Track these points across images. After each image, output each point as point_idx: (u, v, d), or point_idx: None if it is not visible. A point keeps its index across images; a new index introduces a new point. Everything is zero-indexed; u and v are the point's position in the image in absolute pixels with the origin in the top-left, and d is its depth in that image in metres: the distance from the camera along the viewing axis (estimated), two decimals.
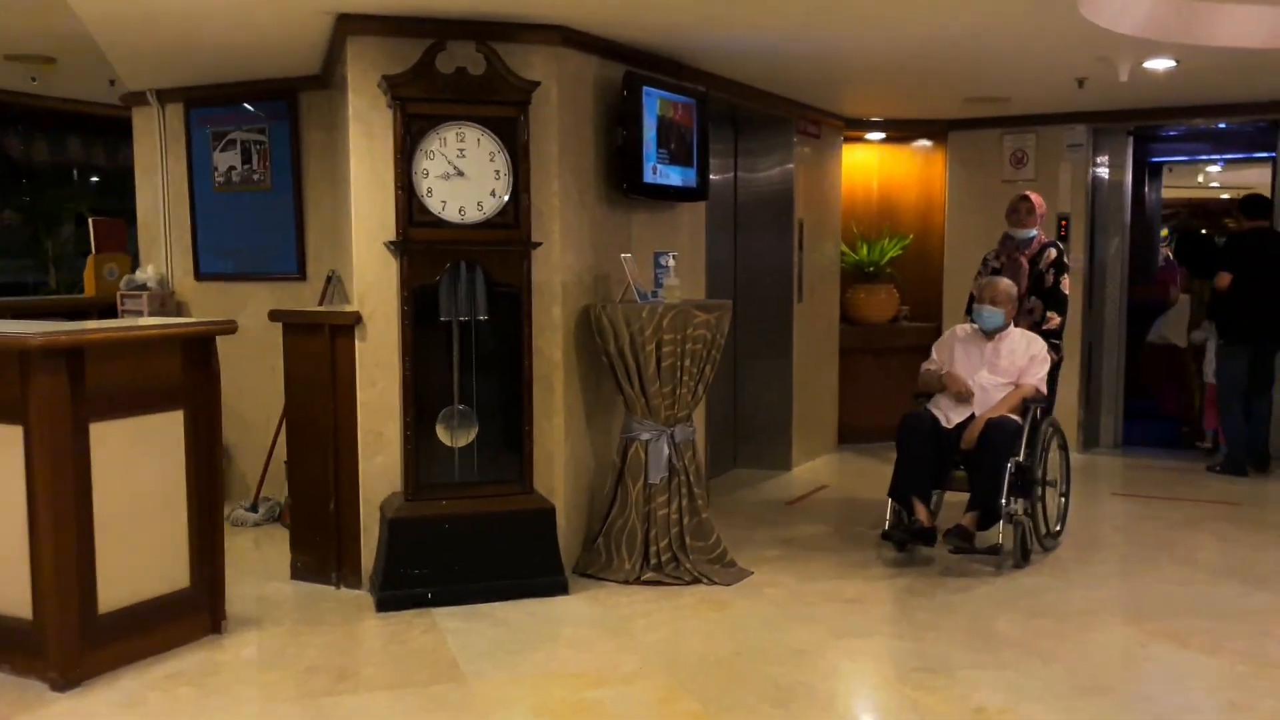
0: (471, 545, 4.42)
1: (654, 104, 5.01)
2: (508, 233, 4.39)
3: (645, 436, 4.70)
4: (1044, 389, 5.10)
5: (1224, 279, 6.88)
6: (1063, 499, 5.50)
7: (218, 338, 4.10)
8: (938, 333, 8.07)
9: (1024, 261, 5.53)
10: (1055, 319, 5.46)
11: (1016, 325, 5.26)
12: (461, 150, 4.33)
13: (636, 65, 5.04)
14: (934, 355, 5.32)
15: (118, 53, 5.28)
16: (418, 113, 4.27)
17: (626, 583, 4.64)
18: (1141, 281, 9.66)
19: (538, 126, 4.53)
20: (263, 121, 5.91)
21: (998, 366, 5.10)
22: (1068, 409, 7.65)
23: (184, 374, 3.92)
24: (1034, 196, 5.64)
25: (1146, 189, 9.75)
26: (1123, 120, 7.57)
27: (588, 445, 4.94)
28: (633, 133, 4.88)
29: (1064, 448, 5.48)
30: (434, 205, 4.31)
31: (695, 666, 3.78)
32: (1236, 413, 6.95)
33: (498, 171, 4.37)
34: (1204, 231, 9.82)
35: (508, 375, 4.52)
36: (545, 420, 4.69)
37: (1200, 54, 5.39)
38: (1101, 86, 6.28)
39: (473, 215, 4.35)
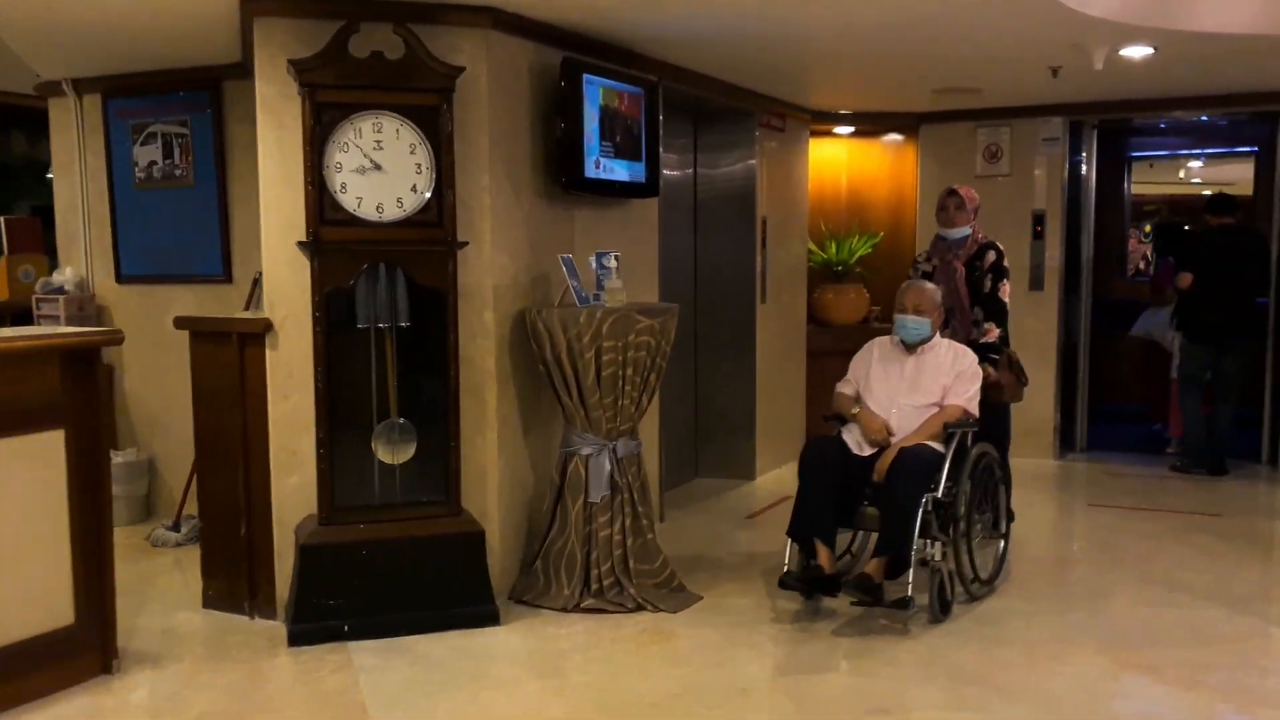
0: (393, 573, 4.06)
1: (596, 93, 4.66)
2: (430, 231, 4.03)
3: (585, 451, 4.35)
4: (973, 410, 4.39)
5: (1185, 279, 6.86)
6: (1002, 541, 4.82)
7: (133, 345, 3.70)
8: None
9: (958, 265, 4.99)
10: (993, 331, 4.90)
11: (967, 340, 4.76)
12: (379, 142, 3.97)
13: (579, 52, 4.69)
14: (850, 373, 4.67)
15: (19, 38, 4.89)
16: (329, 101, 3.90)
17: (565, 610, 4.29)
18: (1120, 277, 9.43)
19: (465, 116, 4.18)
20: (184, 113, 5.53)
21: (920, 385, 4.42)
22: (1042, 416, 7.37)
23: (64, 389, 3.54)
24: (964, 190, 5.10)
25: (1126, 185, 9.46)
26: (1100, 113, 7.26)
27: (526, 461, 4.59)
28: (572, 124, 4.53)
29: (1004, 481, 4.83)
30: (348, 202, 3.95)
31: (627, 712, 3.43)
32: (1195, 409, 6.97)
33: (419, 165, 4.01)
34: (1186, 227, 9.52)
35: (433, 386, 4.16)
36: (477, 435, 4.34)
37: (1179, 40, 5.07)
38: (1077, 76, 5.97)
39: (392, 212, 3.99)
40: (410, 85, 3.97)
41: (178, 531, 5.36)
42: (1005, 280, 4.98)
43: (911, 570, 4.04)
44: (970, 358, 4.49)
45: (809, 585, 4.17)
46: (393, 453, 4.13)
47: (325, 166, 3.91)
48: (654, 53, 5.29)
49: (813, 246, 7.68)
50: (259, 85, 4.08)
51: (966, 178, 7.49)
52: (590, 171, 4.64)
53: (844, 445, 4.42)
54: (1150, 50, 5.25)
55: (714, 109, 6.54)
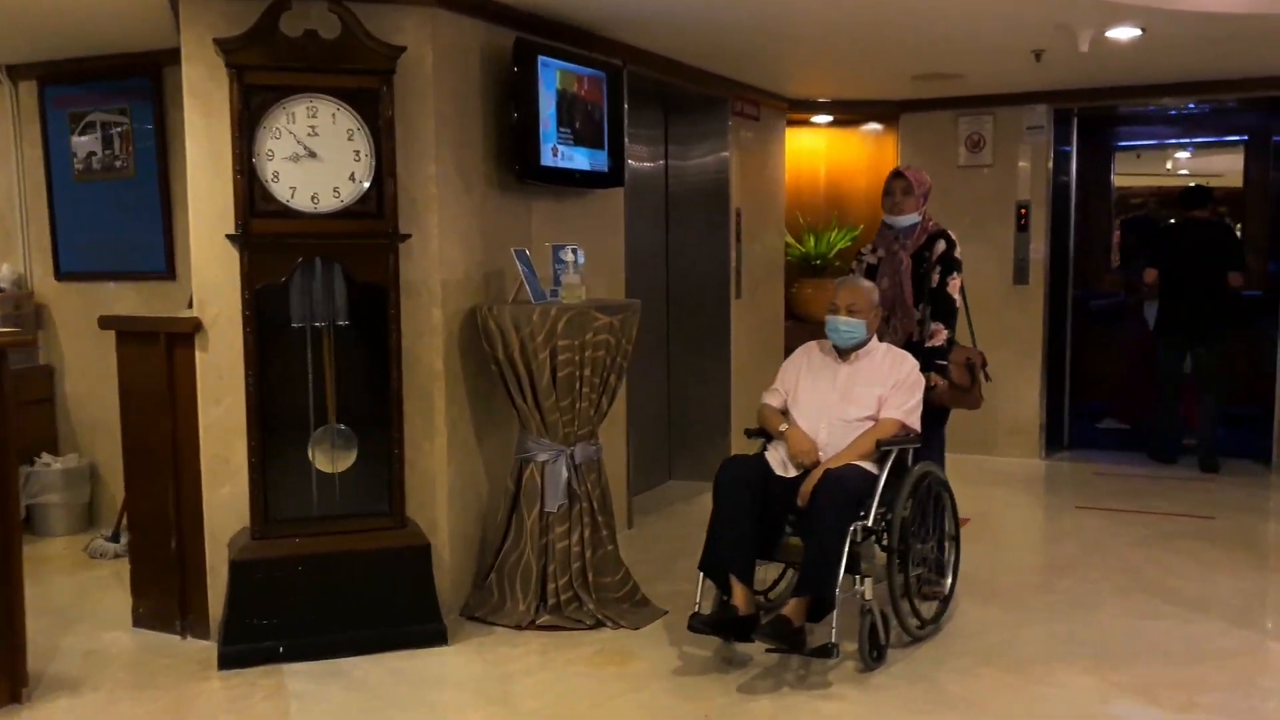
0: (331, 590, 3.78)
1: (552, 76, 4.39)
2: (370, 223, 3.75)
3: (541, 457, 4.08)
4: (912, 424, 3.85)
5: (1150, 274, 6.95)
6: (949, 579, 4.19)
7: (74, 345, 3.41)
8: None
9: (904, 256, 4.33)
10: (941, 332, 4.23)
11: (907, 340, 4.21)
12: (313, 128, 3.68)
13: (535, 32, 4.42)
14: (777, 382, 4.10)
15: None
16: (259, 83, 3.62)
17: (519, 627, 4.02)
18: (1106, 271, 9.21)
19: (410, 101, 3.90)
20: (124, 101, 5.23)
21: (853, 396, 3.87)
22: (1028, 414, 7.13)
23: None
24: (911, 172, 4.43)
25: (1111, 176, 9.23)
26: (1084, 100, 7.01)
27: (480, 467, 4.32)
28: (526, 109, 4.25)
29: (951, 507, 4.22)
30: (281, 192, 3.67)
31: None
32: (1166, 402, 6.99)
33: (357, 152, 3.73)
34: (1155, 221, 9.33)
35: (375, 389, 3.89)
36: (425, 440, 4.06)
37: (1168, 21, 4.82)
38: (1061, 61, 5.72)
39: (328, 203, 3.71)
40: (347, 67, 3.69)
41: (117, 542, 5.06)
42: (956, 274, 4.30)
43: (836, 612, 3.52)
44: (909, 364, 3.93)
45: (720, 629, 3.60)
46: (331, 461, 3.85)
47: (256, 154, 3.63)
48: (618, 35, 5.02)
49: (790, 240, 7.42)
50: (185, 67, 3.80)
51: (949, 168, 7.26)
52: (547, 160, 4.37)
53: (766, 465, 3.86)
54: (1138, 32, 5.00)
55: (685, 96, 6.27)
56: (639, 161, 6.18)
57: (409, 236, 3.85)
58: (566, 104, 4.48)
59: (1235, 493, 6.18)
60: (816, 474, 3.71)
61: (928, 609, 4.01)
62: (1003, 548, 5.25)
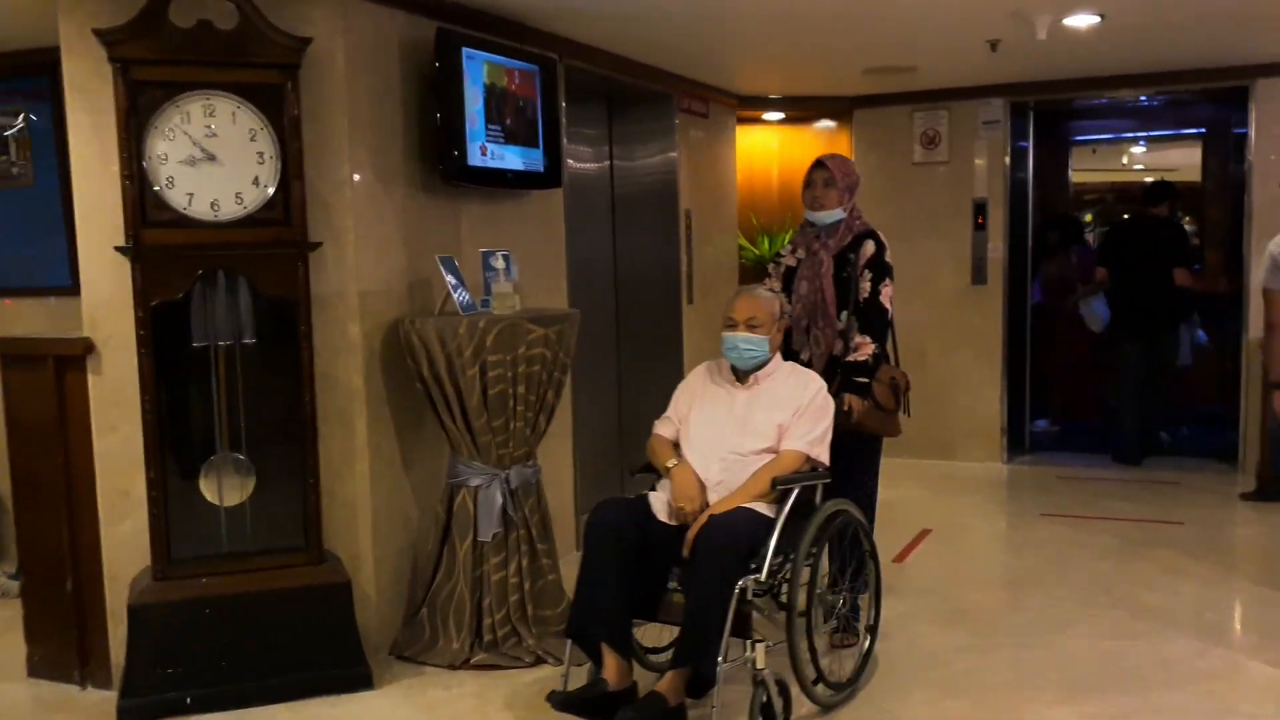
0: (243, 634, 3.45)
1: (479, 70, 4.09)
2: (277, 231, 3.43)
3: (474, 482, 3.78)
4: (819, 455, 3.33)
5: (1100, 273, 6.95)
6: (868, 638, 3.60)
7: None
8: None
9: (826, 257, 3.82)
10: (867, 346, 3.71)
11: (829, 355, 3.77)
12: (211, 128, 3.36)
13: (459, 23, 4.12)
14: (670, 409, 3.57)
15: None
16: (147, 79, 3.29)
17: (453, 667, 3.72)
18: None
19: (320, 98, 3.59)
20: (19, 103, 4.86)
21: (751, 425, 3.34)
22: (989, 416, 6.93)
23: None
24: (833, 162, 3.88)
25: (1068, 172, 9.06)
26: (1041, 93, 6.80)
27: (408, 495, 4.00)
28: (449, 105, 3.95)
29: (871, 551, 3.63)
30: (177, 199, 3.34)
31: None
32: (1124, 402, 6.93)
33: (261, 154, 3.41)
34: (1126, 217, 9.22)
35: (287, 412, 3.56)
36: (345, 467, 3.75)
37: (1128, 8, 4.63)
38: (1017, 52, 5.50)
39: (230, 210, 3.39)
40: (247, 60, 3.37)
41: (20, 580, 4.68)
42: (889, 280, 3.76)
43: (725, 684, 2.98)
44: (816, 386, 3.40)
45: (582, 708, 3.04)
46: (224, 493, 3.52)
47: (147, 157, 3.30)
48: (552, 27, 4.73)
49: (744, 241, 7.17)
50: (65, 61, 3.47)
51: (905, 166, 7.05)
52: (475, 159, 4.06)
53: (647, 509, 3.30)
54: (1097, 19, 4.79)
55: (630, 93, 5.99)
56: (582, 162, 5.89)
57: (320, 245, 3.53)
58: (496, 100, 4.18)
59: (1203, 496, 5.99)
60: (701, 520, 3.15)
61: (841, 668, 3.45)
62: (966, 561, 5.01)
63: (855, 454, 3.77)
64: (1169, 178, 7.98)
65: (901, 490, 6.33)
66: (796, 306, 3.83)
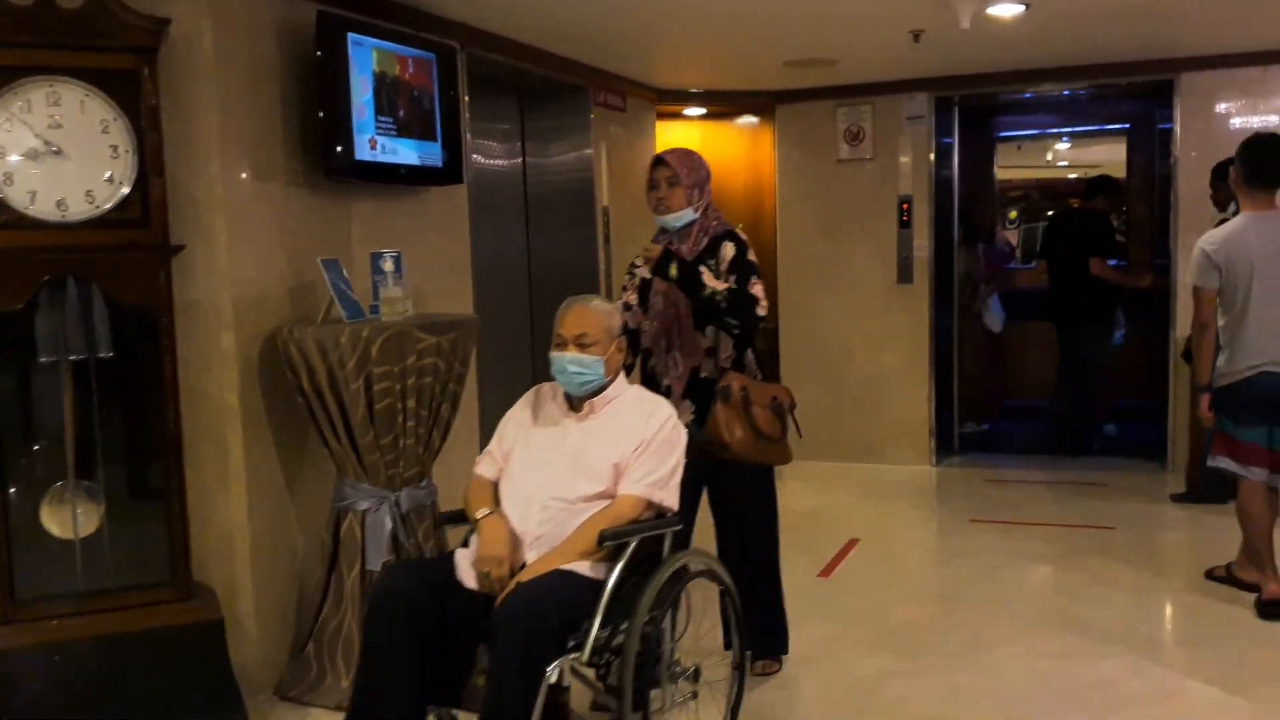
0: (101, 680, 3.09)
1: (367, 57, 3.77)
2: (134, 233, 3.08)
3: (361, 506, 3.46)
4: (664, 499, 2.79)
5: (1041, 265, 7.19)
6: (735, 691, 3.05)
7: None
8: (774, 336, 7.11)
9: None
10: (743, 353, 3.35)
11: (692, 375, 3.34)
12: (56, 118, 3.00)
13: (347, 7, 3.80)
14: (495, 441, 3.01)
15: None
16: None
17: (341, 708, 3.38)
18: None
19: (185, 86, 3.26)
20: None
21: (585, 464, 2.79)
22: (917, 418, 6.77)
23: None
24: (676, 157, 3.38)
25: (994, 168, 8.97)
26: (965, 87, 6.66)
27: (291, 519, 3.67)
28: (333, 95, 3.63)
29: (737, 621, 3.04)
30: (17, 197, 2.97)
31: None
32: (1064, 394, 7.06)
33: (115, 148, 3.05)
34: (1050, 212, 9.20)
35: (151, 433, 3.22)
36: (220, 491, 3.41)
37: None
38: (941, 44, 5.32)
39: (80, 210, 3.03)
40: (96, 43, 3.01)
41: None
42: (755, 278, 3.30)
43: None
44: (662, 416, 2.85)
45: None
46: (67, 524, 3.16)
47: None
48: (452, 13, 4.43)
49: None
50: None
51: (829, 163, 6.86)
52: (364, 154, 3.75)
53: (450, 571, 2.75)
54: (1021, 8, 4.62)
55: (543, 86, 5.70)
56: (493, 158, 5.60)
57: (184, 248, 3.19)
58: (387, 90, 3.87)
59: (1132, 498, 5.87)
60: (510, 587, 2.60)
61: None
62: (895, 573, 4.81)
63: (744, 491, 3.40)
64: (1093, 174, 7.95)
65: (829, 496, 6.15)
66: (654, 324, 3.40)
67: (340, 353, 3.30)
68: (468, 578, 2.73)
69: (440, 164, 4.19)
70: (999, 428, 7.83)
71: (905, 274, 6.76)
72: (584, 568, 2.68)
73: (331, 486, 3.61)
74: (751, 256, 3.35)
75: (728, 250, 3.34)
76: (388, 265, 3.60)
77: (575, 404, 2.90)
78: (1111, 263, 6.95)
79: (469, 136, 4.79)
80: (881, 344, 6.86)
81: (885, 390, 6.87)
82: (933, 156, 6.69)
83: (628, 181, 6.38)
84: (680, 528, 2.89)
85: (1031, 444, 7.36)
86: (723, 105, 7.00)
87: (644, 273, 3.48)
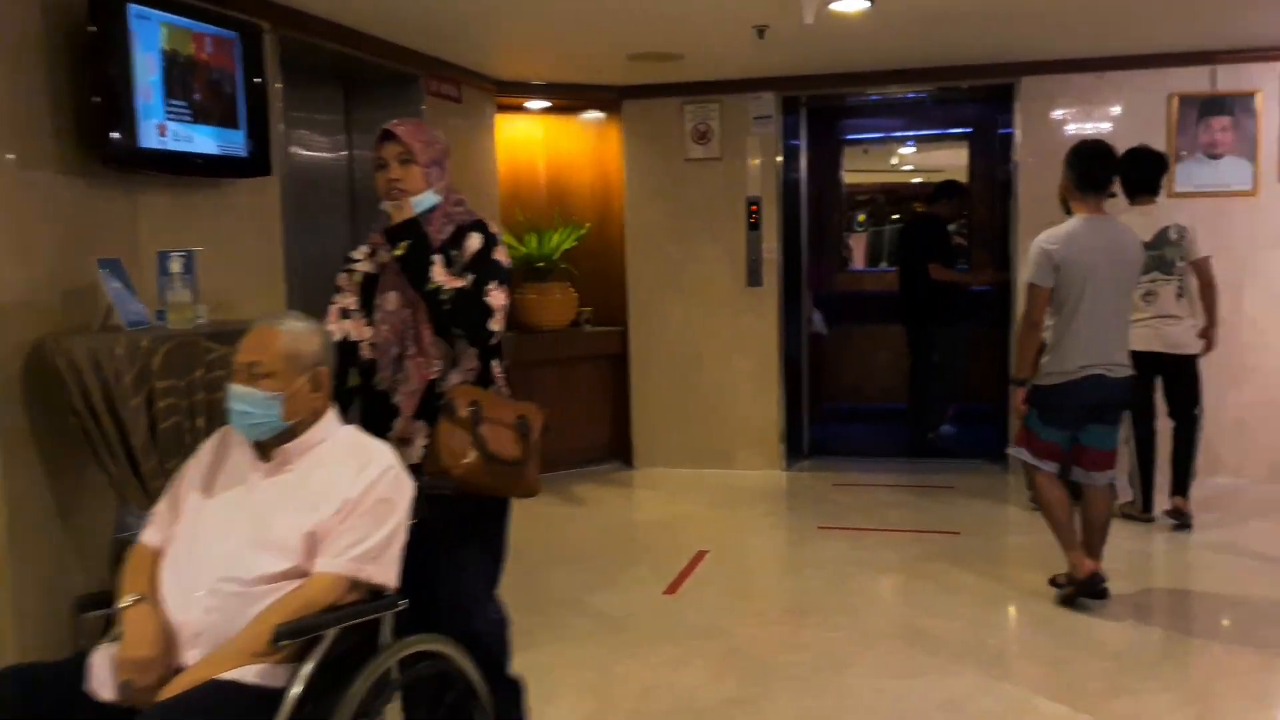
0: None
1: (154, 33, 3.36)
2: None
3: None
4: (374, 575, 2.22)
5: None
6: None
7: None
8: (620, 340, 6.90)
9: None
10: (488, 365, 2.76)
11: (426, 394, 2.68)
12: None
13: None
14: (165, 498, 2.40)
15: None
16: None
17: None
18: (841, 270, 8.98)
19: None
20: None
21: (270, 531, 2.20)
22: (767, 422, 6.65)
23: None
24: (406, 130, 2.76)
25: (841, 171, 8.98)
26: (812, 87, 6.58)
27: (68, 556, 3.22)
28: (111, 75, 3.20)
29: (478, 701, 2.51)
30: None
31: None
32: (913, 391, 7.41)
33: None
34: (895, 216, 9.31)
35: None
36: None
37: None
38: (787, 41, 5.19)
39: None
40: None
41: None
42: (497, 284, 2.66)
43: None
44: (378, 468, 2.28)
45: None
46: None
47: None
48: None
49: (509, 239, 6.60)
50: None
51: (677, 162, 6.69)
52: (150, 140, 3.33)
53: (79, 679, 2.10)
54: (865, 4, 4.50)
55: (371, 74, 5.33)
56: (313, 150, 5.21)
57: None
58: (179, 70, 3.45)
59: (977, 502, 5.86)
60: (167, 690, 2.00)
61: None
62: (742, 587, 4.64)
63: (459, 528, 2.70)
64: (936, 178, 8.03)
65: (679, 506, 5.97)
66: (382, 329, 2.73)
67: (116, 365, 2.89)
68: (104, 688, 2.07)
69: (245, 154, 3.79)
70: (851, 430, 7.86)
71: (755, 277, 6.64)
72: (255, 674, 2.04)
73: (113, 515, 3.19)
74: (500, 255, 2.72)
75: (473, 242, 2.70)
76: (176, 266, 3.20)
77: (264, 451, 2.30)
78: (962, 267, 7.10)
79: (282, 125, 4.40)
80: (731, 348, 6.72)
81: (735, 395, 6.74)
82: (780, 158, 6.59)
83: (467, 177, 6.05)
84: (403, 607, 2.26)
85: (883, 446, 7.40)
86: (567, 99, 6.74)
87: (366, 267, 2.81)
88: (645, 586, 4.55)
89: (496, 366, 2.80)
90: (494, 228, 2.80)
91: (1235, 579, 4.53)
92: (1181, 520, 5.16)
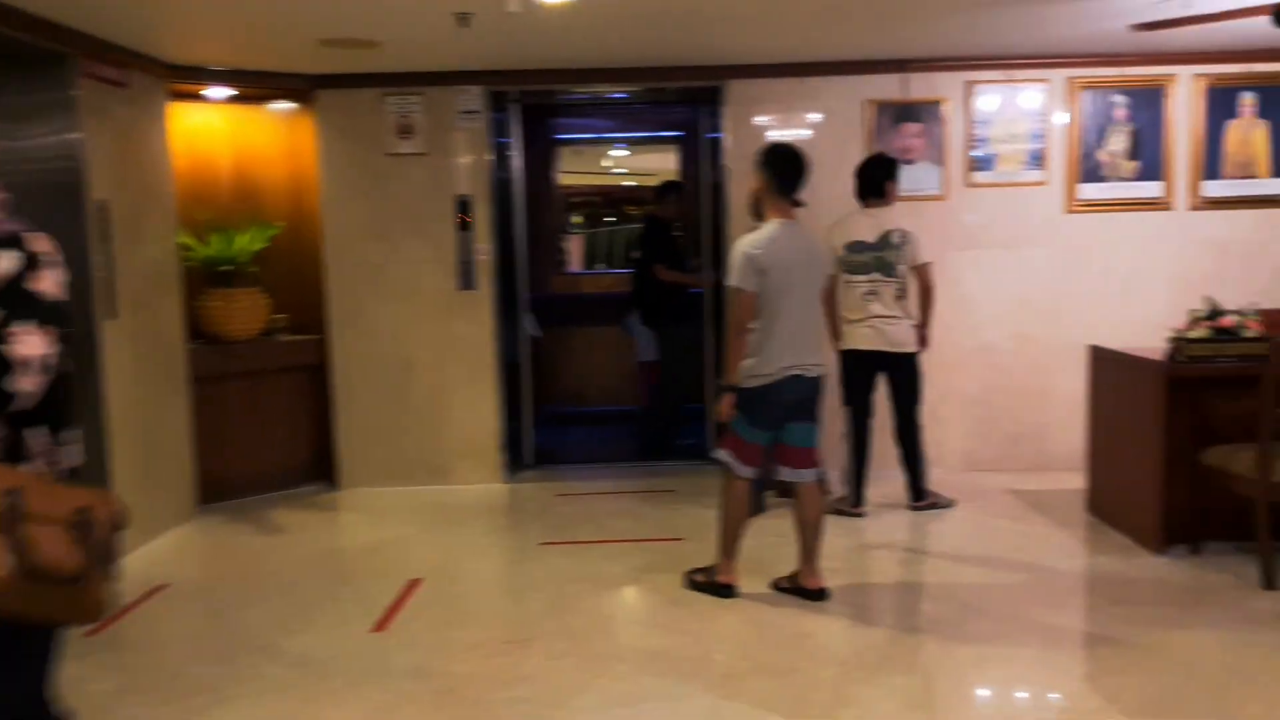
0: None
1: None
2: None
3: None
4: None
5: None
6: None
7: None
8: (319, 350, 6.36)
9: None
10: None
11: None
12: None
13: None
14: None
15: None
16: None
17: None
18: (559, 272, 8.82)
19: None
20: None
21: None
22: (485, 432, 6.34)
23: None
24: None
25: (555, 172, 8.81)
26: (520, 83, 6.32)
27: None
28: None
29: None
30: None
31: None
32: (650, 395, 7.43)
33: None
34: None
35: None
36: None
37: None
38: (491, 33, 4.89)
39: None
40: None
41: None
42: (35, 323, 1.97)
43: None
44: None
45: None
46: None
47: None
48: None
49: (189, 240, 5.93)
50: None
51: (379, 156, 6.24)
52: None
53: None
54: None
55: (10, 51, 4.56)
56: None
57: None
58: None
59: (698, 506, 5.77)
60: None
61: None
62: (458, 617, 4.29)
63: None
64: (649, 182, 8.02)
65: (389, 529, 5.54)
66: None
67: None
68: None
69: None
70: (574, 435, 7.72)
71: (467, 279, 6.30)
72: None
73: None
74: (45, 284, 2.03)
75: (6, 264, 2.01)
76: None
77: None
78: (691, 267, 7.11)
79: None
80: (444, 355, 6.36)
81: (449, 404, 6.39)
82: (490, 156, 6.29)
83: (134, 172, 5.36)
84: None
85: (608, 451, 7.27)
86: (253, 87, 6.11)
87: None
88: (351, 625, 4.12)
89: (42, 436, 2.06)
90: (40, 244, 2.07)
91: (939, 570, 4.68)
92: (941, 504, 5.54)
